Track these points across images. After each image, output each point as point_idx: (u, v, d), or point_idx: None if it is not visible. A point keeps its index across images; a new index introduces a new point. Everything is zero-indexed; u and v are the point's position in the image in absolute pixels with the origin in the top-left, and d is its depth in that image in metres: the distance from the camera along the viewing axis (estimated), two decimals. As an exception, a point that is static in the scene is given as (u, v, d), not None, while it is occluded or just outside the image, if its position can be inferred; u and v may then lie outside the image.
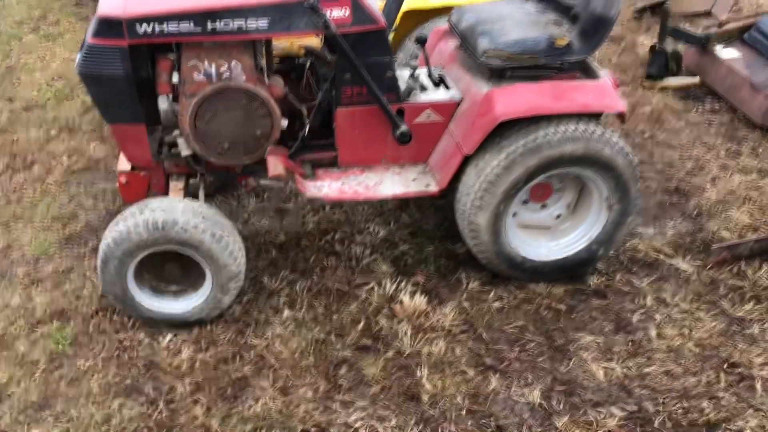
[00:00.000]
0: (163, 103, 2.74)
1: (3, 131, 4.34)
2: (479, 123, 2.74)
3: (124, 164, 2.95)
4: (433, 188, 2.92)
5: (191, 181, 3.08)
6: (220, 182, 3.58)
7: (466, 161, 2.84)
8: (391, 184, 2.95)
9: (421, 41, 3.09)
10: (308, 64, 2.94)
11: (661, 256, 3.20)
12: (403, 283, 3.03)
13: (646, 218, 3.45)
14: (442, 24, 3.40)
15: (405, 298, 2.94)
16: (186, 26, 2.52)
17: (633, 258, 3.19)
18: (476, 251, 2.96)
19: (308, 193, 2.86)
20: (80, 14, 6.21)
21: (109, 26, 2.48)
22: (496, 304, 2.94)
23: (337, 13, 2.60)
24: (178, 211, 2.59)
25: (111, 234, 2.59)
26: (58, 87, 4.87)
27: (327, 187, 2.91)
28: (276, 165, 2.77)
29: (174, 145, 2.94)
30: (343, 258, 3.21)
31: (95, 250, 3.24)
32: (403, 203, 3.56)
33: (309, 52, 2.88)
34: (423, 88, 3.00)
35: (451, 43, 3.23)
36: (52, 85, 4.90)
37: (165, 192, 2.99)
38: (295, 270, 3.14)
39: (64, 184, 3.77)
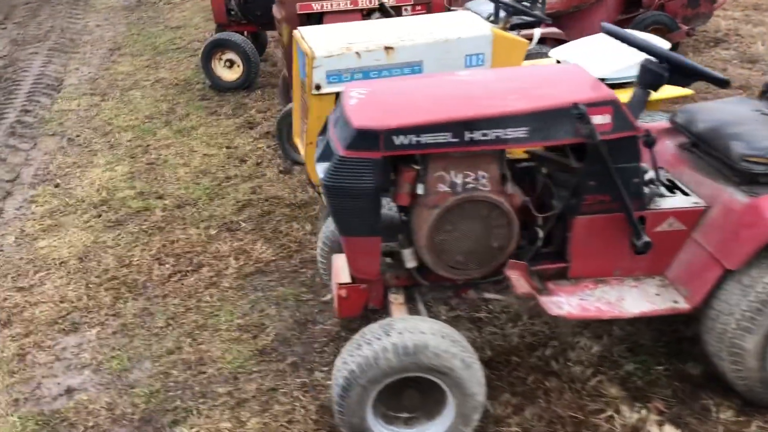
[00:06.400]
0: (402, 214, 2.59)
1: (161, 230, 4.26)
2: (746, 235, 2.49)
3: (343, 276, 2.77)
4: (683, 305, 2.64)
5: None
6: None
7: (722, 276, 2.58)
8: (632, 300, 2.69)
9: (650, 143, 2.89)
10: (542, 170, 2.76)
11: None
12: (644, 412, 2.72)
13: None
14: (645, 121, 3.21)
15: (654, 430, 2.63)
16: (443, 137, 2.37)
17: None
18: (735, 377, 2.64)
19: (550, 310, 2.61)
20: (208, 108, 6.27)
21: (365, 138, 2.34)
22: (759, 438, 2.60)
23: (598, 120, 2.42)
24: (427, 334, 2.37)
25: (354, 359, 2.37)
26: (205, 184, 4.81)
27: (566, 303, 2.66)
28: (520, 282, 2.56)
29: (389, 255, 2.77)
30: (564, 379, 2.92)
31: (295, 365, 3.04)
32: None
33: (545, 158, 2.71)
34: (659, 194, 2.78)
35: (671, 144, 3.03)
36: (199, 182, 4.85)
37: (382, 306, 2.80)
38: (515, 392, 2.86)
39: (240, 290, 3.61)
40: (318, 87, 3.43)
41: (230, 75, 6.56)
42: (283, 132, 4.91)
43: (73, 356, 3.19)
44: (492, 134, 2.38)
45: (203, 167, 5.07)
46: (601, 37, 4.46)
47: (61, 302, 3.59)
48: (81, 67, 7.81)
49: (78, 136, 5.87)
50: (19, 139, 5.87)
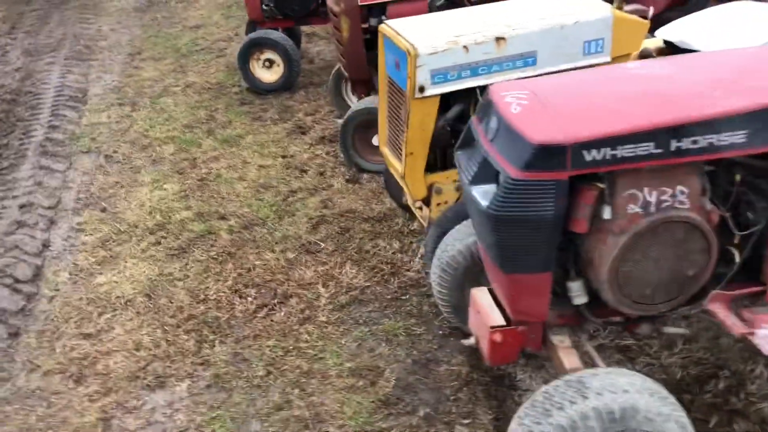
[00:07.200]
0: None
1: (232, 255, 3.81)
2: None
3: (495, 317, 2.32)
4: None
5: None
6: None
7: None
8: None
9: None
10: (734, 177, 2.29)
11: None
12: None
13: None
14: None
15: None
16: (645, 148, 1.91)
17: None
18: None
19: (765, 350, 2.16)
20: (251, 113, 5.78)
21: (548, 155, 1.88)
22: None
23: (831, 116, 1.96)
24: (631, 393, 1.92)
25: (544, 428, 1.93)
26: (269, 200, 4.36)
27: (777, 337, 2.21)
28: (731, 319, 2.12)
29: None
30: (753, 419, 2.48)
31: (429, 419, 2.61)
32: None
33: (737, 163, 2.23)
34: None
35: None
36: (261, 198, 4.39)
37: (540, 349, 2.36)
38: (701, 440, 2.42)
39: (341, 324, 3.16)
40: (421, 89, 2.97)
41: (270, 76, 6.07)
42: (348, 137, 4.46)
43: (167, 418, 2.75)
44: (704, 141, 1.92)
45: (262, 180, 4.61)
46: (712, 12, 3.98)
47: (137, 350, 3.15)
48: (103, 76, 7.32)
49: (115, 152, 5.40)
50: (52, 159, 5.41)
